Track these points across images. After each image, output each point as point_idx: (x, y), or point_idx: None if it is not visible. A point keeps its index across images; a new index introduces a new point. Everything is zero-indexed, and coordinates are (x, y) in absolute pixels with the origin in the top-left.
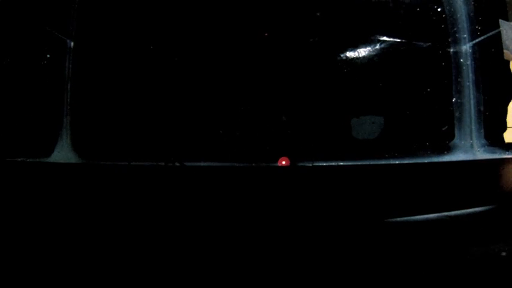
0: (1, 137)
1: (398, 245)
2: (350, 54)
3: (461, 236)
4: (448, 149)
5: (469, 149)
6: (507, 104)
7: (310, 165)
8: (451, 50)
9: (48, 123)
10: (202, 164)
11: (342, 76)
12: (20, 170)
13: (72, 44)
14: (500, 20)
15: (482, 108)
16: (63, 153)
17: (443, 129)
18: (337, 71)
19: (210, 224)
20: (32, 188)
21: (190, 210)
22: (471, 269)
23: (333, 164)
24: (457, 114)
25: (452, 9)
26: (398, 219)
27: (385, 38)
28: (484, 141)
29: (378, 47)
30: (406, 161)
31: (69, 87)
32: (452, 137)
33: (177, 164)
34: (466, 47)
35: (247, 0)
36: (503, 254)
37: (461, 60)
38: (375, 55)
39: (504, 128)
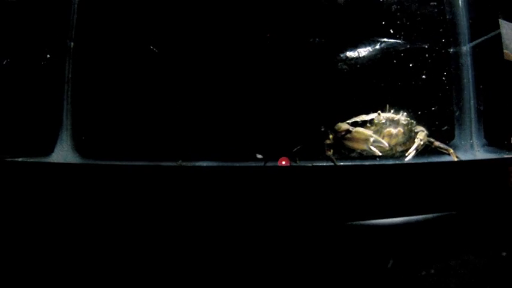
0: (1, 136)
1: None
2: (350, 54)
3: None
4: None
5: (469, 149)
6: (507, 104)
7: (310, 165)
8: (451, 50)
9: (48, 123)
10: (203, 164)
11: (343, 76)
12: (19, 170)
13: (72, 44)
14: (500, 20)
15: (482, 108)
16: (63, 153)
17: (443, 129)
18: (337, 72)
19: (211, 224)
20: (32, 188)
21: (191, 210)
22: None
23: (333, 164)
24: (457, 114)
25: (452, 10)
26: (394, 220)
27: (383, 39)
28: (484, 141)
29: (377, 47)
30: (405, 161)
31: (69, 86)
32: (453, 137)
33: (178, 163)
34: (466, 47)
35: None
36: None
37: (461, 60)
38: (375, 55)
39: (504, 128)
